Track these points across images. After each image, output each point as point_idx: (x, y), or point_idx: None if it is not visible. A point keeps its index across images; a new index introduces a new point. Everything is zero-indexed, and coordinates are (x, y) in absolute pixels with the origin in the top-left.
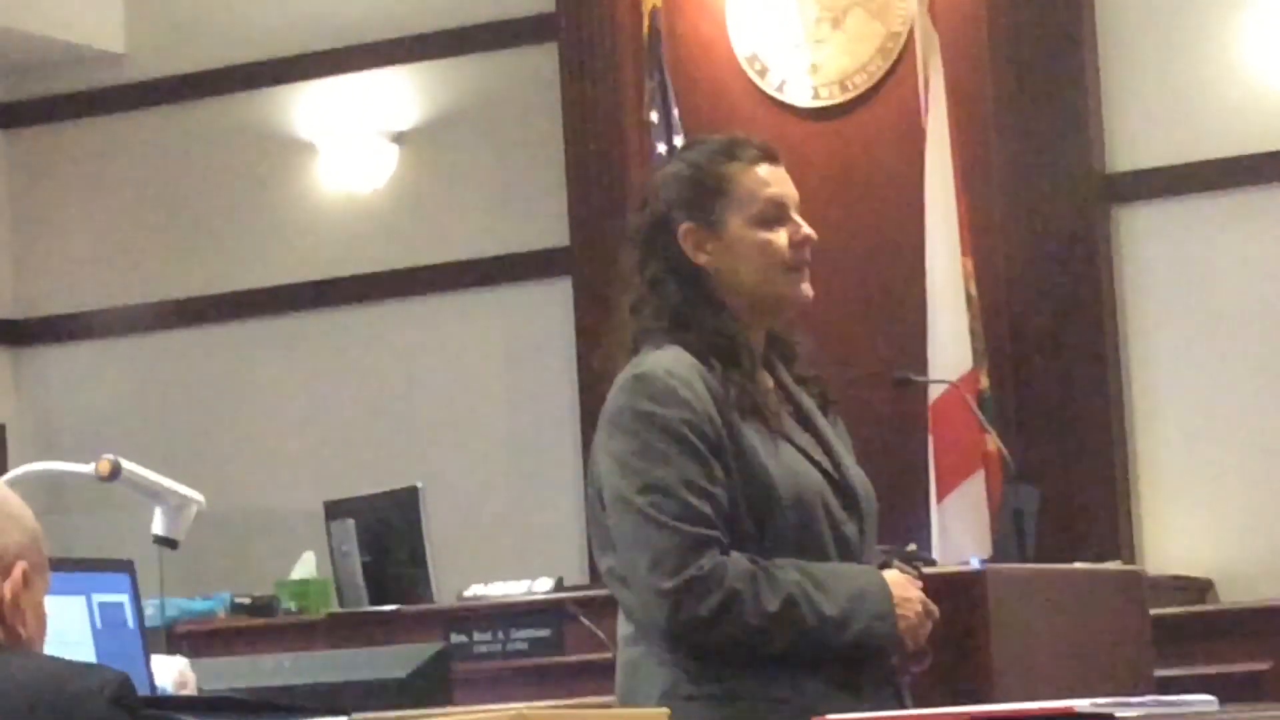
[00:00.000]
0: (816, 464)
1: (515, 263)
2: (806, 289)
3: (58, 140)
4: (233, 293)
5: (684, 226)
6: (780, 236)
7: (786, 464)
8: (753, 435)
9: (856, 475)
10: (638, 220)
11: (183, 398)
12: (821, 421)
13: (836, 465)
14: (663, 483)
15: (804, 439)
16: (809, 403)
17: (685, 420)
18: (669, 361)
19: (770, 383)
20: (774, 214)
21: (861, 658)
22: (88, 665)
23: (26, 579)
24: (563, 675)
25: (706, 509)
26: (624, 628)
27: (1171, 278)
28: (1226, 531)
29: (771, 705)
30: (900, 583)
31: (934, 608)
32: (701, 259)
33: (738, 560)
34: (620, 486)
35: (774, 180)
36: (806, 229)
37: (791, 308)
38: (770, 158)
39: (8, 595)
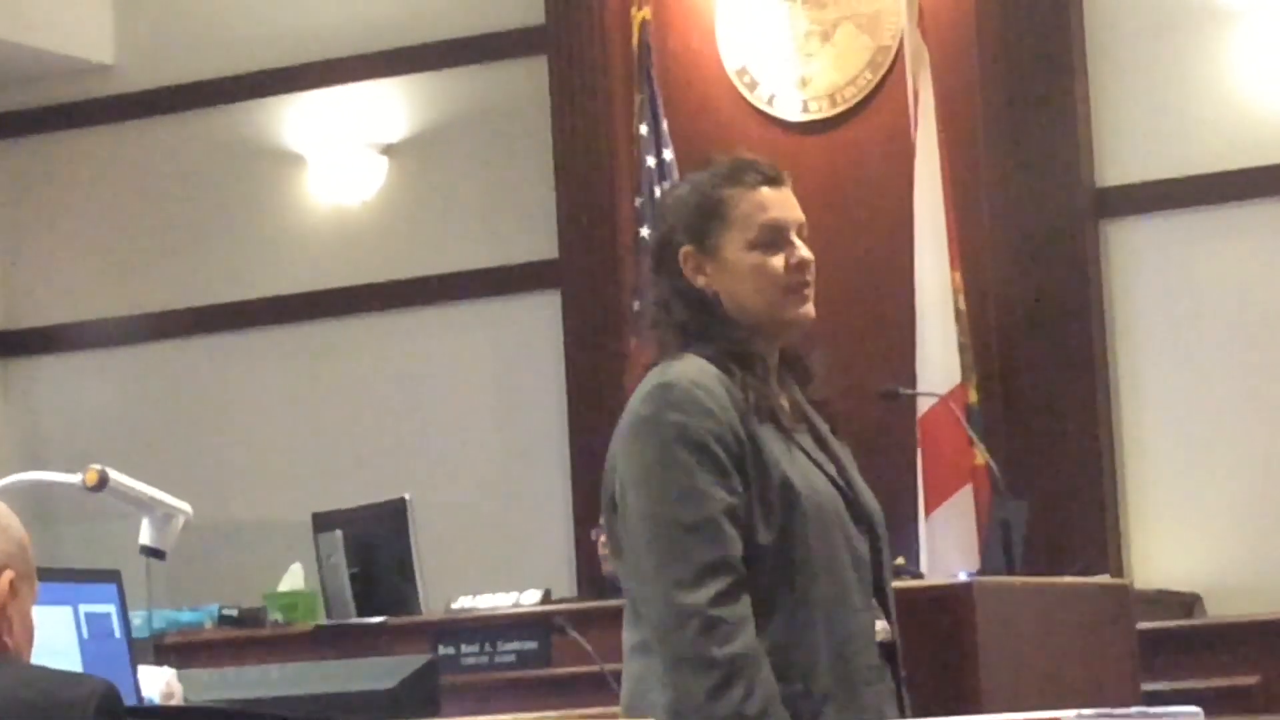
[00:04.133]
0: (829, 478)
1: (504, 275)
2: (806, 310)
3: (46, 151)
4: (221, 304)
5: (683, 250)
6: (777, 260)
7: (804, 474)
8: (773, 443)
9: (868, 495)
10: (649, 241)
11: (171, 409)
12: (835, 442)
13: (849, 483)
14: (687, 493)
15: (818, 454)
16: (822, 424)
17: (710, 430)
18: (693, 371)
19: (787, 398)
20: (771, 238)
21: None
22: (74, 675)
23: (14, 588)
24: (550, 688)
25: (726, 524)
26: (630, 636)
27: (1160, 292)
28: (1214, 546)
29: None
30: None
31: None
32: (700, 281)
33: (768, 670)
34: (644, 495)
35: (774, 204)
36: (802, 252)
37: (792, 329)
38: (773, 181)
39: None
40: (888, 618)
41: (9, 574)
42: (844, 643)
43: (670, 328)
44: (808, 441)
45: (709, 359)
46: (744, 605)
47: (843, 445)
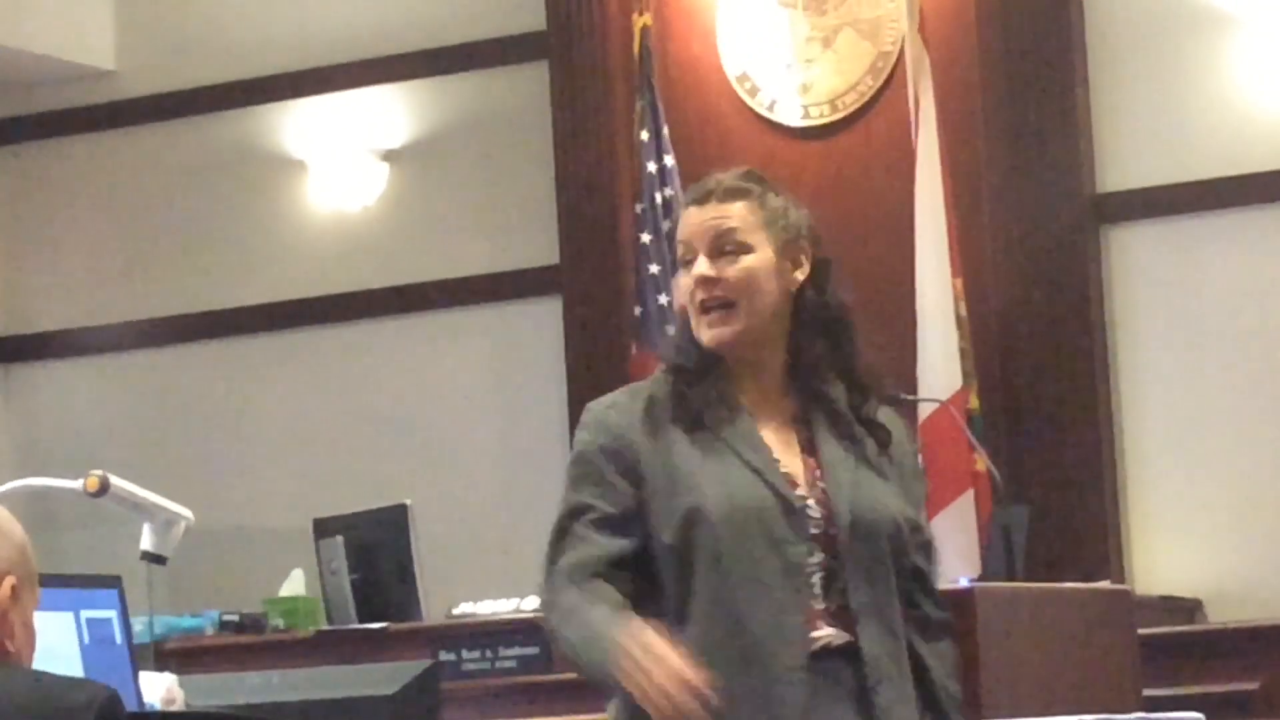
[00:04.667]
0: (769, 483)
1: (505, 281)
2: (709, 333)
3: (48, 157)
4: (222, 310)
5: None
6: (684, 279)
7: (722, 478)
8: (690, 449)
9: (845, 505)
10: None
11: (172, 414)
12: (832, 452)
13: (828, 491)
14: (567, 507)
15: (766, 458)
16: (826, 433)
17: (601, 446)
18: (626, 390)
19: (787, 407)
20: (686, 257)
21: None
22: (75, 681)
23: (15, 594)
24: (551, 694)
25: (591, 532)
26: None
27: (1161, 298)
28: (1215, 551)
29: None
30: (629, 645)
31: (667, 679)
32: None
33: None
34: None
35: (688, 223)
36: (697, 269)
37: (711, 346)
38: (700, 199)
39: None
40: (851, 624)
41: (10, 580)
42: (756, 645)
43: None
44: (750, 443)
45: (667, 371)
46: (591, 584)
47: (849, 455)
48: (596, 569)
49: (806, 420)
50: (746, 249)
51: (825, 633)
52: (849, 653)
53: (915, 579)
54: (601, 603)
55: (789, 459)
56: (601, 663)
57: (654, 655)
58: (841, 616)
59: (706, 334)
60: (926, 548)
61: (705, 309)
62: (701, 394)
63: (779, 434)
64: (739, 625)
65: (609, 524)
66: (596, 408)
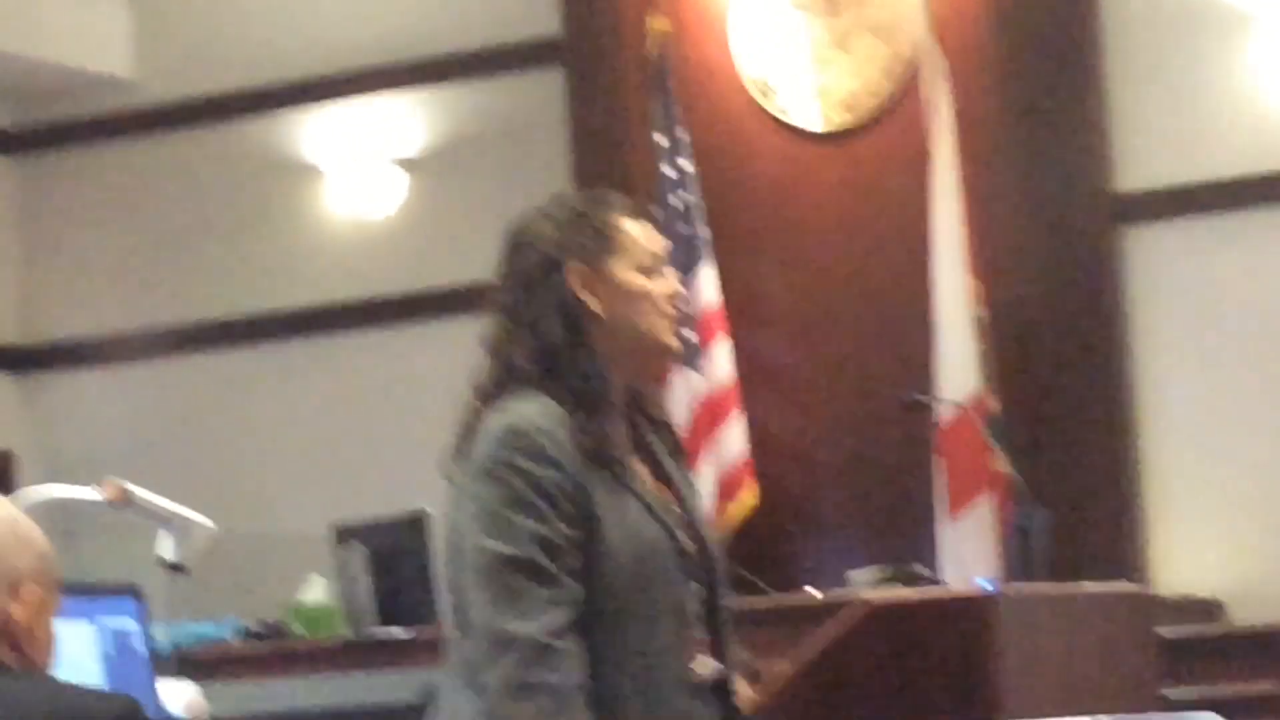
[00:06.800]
0: (662, 524)
1: None
2: (677, 341)
3: (66, 166)
4: (241, 318)
5: (573, 266)
6: (660, 286)
7: (631, 525)
8: (602, 493)
9: (710, 532)
10: (519, 262)
11: (191, 423)
12: (679, 474)
13: (689, 523)
14: (528, 533)
15: (653, 494)
16: (662, 449)
17: (554, 481)
18: (537, 415)
19: (626, 433)
20: (653, 265)
21: None
22: (98, 691)
23: (36, 602)
24: None
25: (559, 570)
26: (448, 679)
27: (1180, 297)
28: (1236, 552)
29: None
30: None
31: None
32: (589, 300)
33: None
34: (486, 532)
35: (653, 235)
36: (677, 284)
37: (669, 356)
38: (640, 215)
39: (18, 617)
40: (720, 655)
41: (33, 588)
42: (647, 689)
43: (532, 352)
44: (641, 482)
45: (555, 398)
46: (576, 644)
47: (683, 472)
48: (574, 617)
49: (642, 440)
50: None
51: (704, 665)
52: (720, 683)
53: None
54: None
55: (652, 489)
56: None
57: None
58: (715, 647)
59: (675, 341)
60: None
61: (674, 318)
62: (600, 429)
63: (639, 467)
64: (632, 674)
65: (572, 566)
66: (528, 430)
